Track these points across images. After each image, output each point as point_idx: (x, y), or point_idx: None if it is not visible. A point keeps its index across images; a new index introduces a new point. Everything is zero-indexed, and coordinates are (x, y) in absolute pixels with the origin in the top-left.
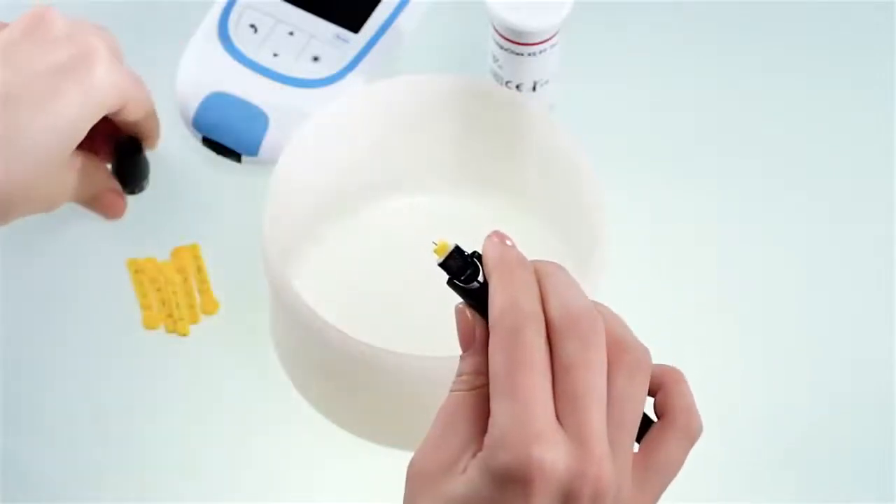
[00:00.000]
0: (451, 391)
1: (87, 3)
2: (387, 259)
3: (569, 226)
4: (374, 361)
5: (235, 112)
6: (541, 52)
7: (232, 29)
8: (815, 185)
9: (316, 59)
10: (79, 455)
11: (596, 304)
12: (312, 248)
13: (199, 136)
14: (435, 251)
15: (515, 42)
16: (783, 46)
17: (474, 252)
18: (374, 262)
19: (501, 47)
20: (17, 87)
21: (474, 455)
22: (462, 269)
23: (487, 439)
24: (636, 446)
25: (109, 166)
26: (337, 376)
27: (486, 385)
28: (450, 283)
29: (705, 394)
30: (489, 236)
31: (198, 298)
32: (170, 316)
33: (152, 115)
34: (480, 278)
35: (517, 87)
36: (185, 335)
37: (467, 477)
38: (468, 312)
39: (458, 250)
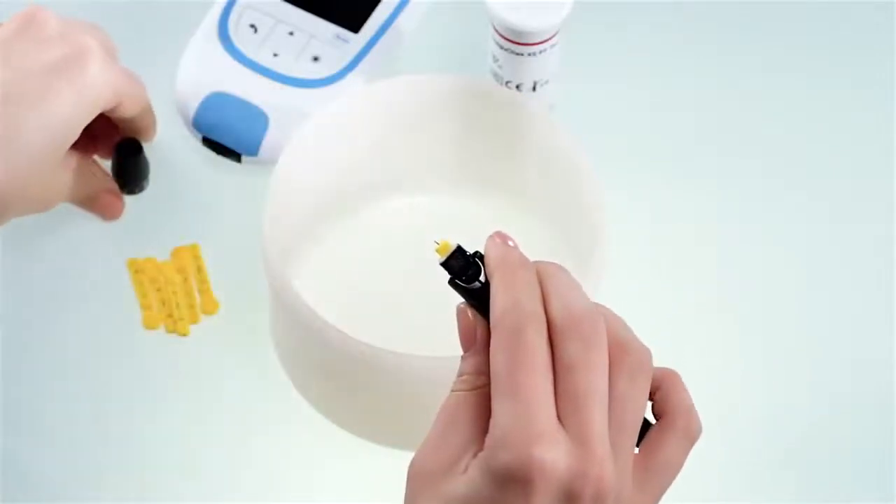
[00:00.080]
0: (452, 391)
1: (87, 4)
2: (387, 259)
3: (569, 226)
4: (374, 361)
5: (235, 112)
6: (541, 52)
7: (232, 29)
8: (815, 185)
9: (316, 59)
10: (79, 455)
11: (597, 305)
12: (312, 248)
13: (199, 136)
14: (437, 251)
15: (515, 42)
16: (783, 46)
17: (476, 252)
18: (374, 262)
19: (501, 47)
20: (11, 86)
21: (475, 455)
22: (464, 268)
23: (489, 439)
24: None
25: (109, 165)
26: (337, 376)
27: (487, 385)
28: (451, 282)
29: (705, 394)
30: (491, 236)
31: (198, 298)
32: (170, 316)
33: (148, 111)
34: (482, 278)
35: (517, 87)
36: (185, 335)
37: (468, 477)
38: (469, 312)
39: (459, 250)
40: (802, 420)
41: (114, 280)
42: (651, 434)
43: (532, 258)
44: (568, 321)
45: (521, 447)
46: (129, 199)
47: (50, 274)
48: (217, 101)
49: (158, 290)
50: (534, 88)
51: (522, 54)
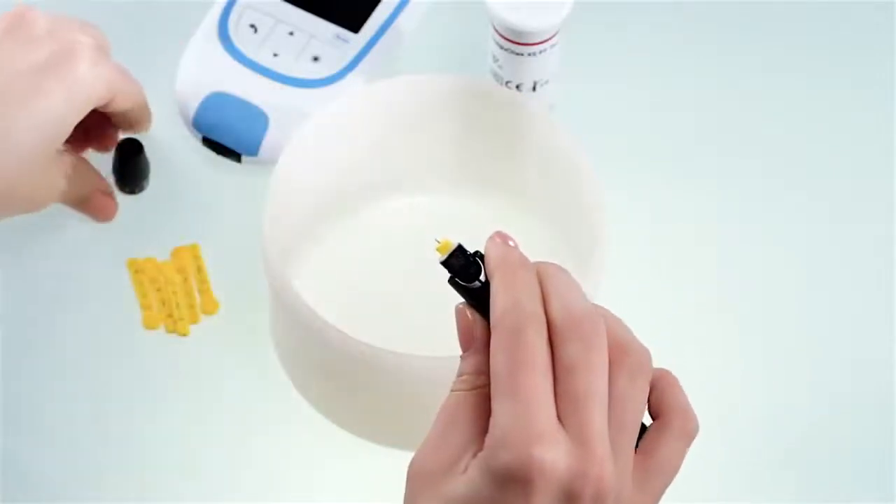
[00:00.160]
0: (452, 391)
1: (87, 4)
2: (387, 259)
3: (569, 226)
4: (374, 361)
5: (235, 112)
6: (541, 52)
7: (232, 29)
8: (815, 185)
9: (316, 59)
10: (79, 455)
11: (596, 306)
12: (312, 248)
13: (199, 136)
14: (437, 249)
15: (515, 42)
16: (783, 46)
17: (476, 252)
18: (374, 262)
19: (501, 47)
20: (0, 86)
21: (475, 455)
22: (464, 268)
23: (488, 439)
24: None
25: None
26: (337, 376)
27: (487, 385)
28: (451, 281)
29: (705, 394)
30: (492, 237)
31: (198, 298)
32: (170, 316)
33: (142, 105)
34: (482, 278)
35: (517, 87)
36: (185, 335)
37: (468, 477)
38: (468, 312)
39: (460, 249)
40: (802, 420)
41: (114, 280)
42: (648, 434)
43: (532, 258)
44: (568, 322)
45: (521, 447)
46: (129, 199)
47: (50, 274)
48: (217, 101)
49: (158, 290)
50: (534, 88)
51: (522, 54)
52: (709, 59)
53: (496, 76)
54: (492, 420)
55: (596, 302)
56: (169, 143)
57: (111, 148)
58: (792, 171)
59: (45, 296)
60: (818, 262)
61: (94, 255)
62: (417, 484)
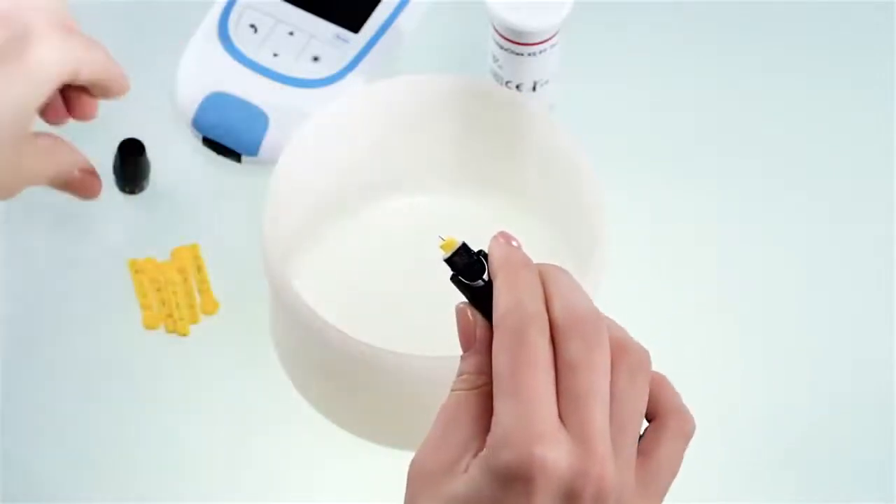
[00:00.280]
0: (452, 390)
1: (87, 4)
2: (387, 259)
3: (569, 226)
4: (374, 361)
5: (235, 112)
6: (541, 52)
7: (232, 29)
8: (815, 185)
9: (316, 59)
10: (78, 454)
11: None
12: (312, 248)
13: (199, 136)
14: (441, 247)
15: (515, 42)
16: (783, 46)
17: (480, 251)
18: (374, 262)
19: (501, 47)
20: None
21: (476, 454)
22: (467, 266)
23: (490, 438)
24: None
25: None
26: (337, 376)
27: (488, 384)
28: (454, 279)
29: (705, 394)
30: (496, 236)
31: (198, 298)
32: (170, 316)
33: (111, 70)
34: (485, 277)
35: (517, 87)
36: (185, 335)
37: (469, 476)
38: (469, 312)
39: (464, 247)
40: (802, 420)
41: (114, 280)
42: (646, 436)
43: (532, 258)
44: (570, 321)
45: (522, 446)
46: (129, 199)
47: (50, 274)
48: (217, 101)
49: (158, 290)
50: (534, 88)
51: (522, 54)
52: (709, 59)
53: (496, 76)
54: (494, 419)
55: (596, 302)
56: (169, 143)
57: (93, 116)
58: (792, 171)
59: (46, 296)
60: (818, 262)
61: (94, 255)
62: (418, 484)
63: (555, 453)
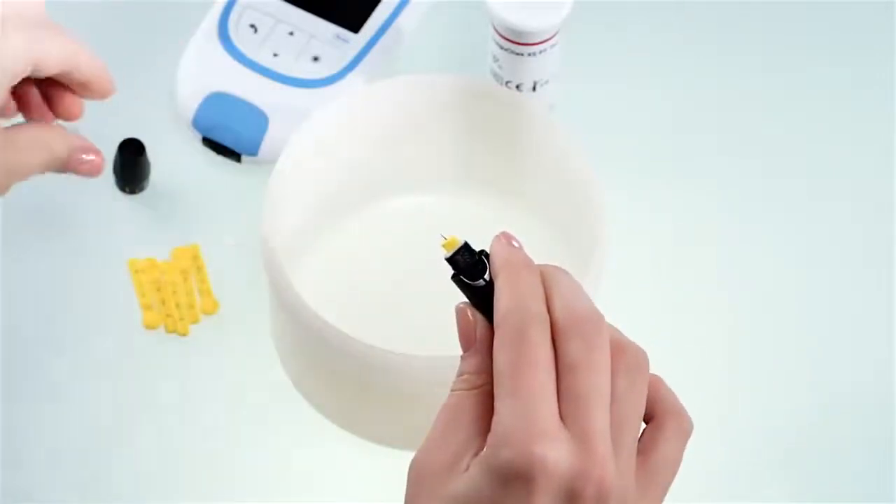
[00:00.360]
0: (452, 390)
1: (87, 4)
2: (387, 259)
3: (569, 226)
4: (374, 361)
5: (235, 112)
6: (541, 52)
7: (232, 29)
8: (815, 185)
9: (316, 59)
10: (78, 454)
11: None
12: (312, 248)
13: (199, 136)
14: (443, 246)
15: (515, 42)
16: (783, 46)
17: (481, 251)
18: (374, 262)
19: (501, 47)
20: None
21: (476, 454)
22: (469, 265)
23: (491, 437)
24: None
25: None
26: (337, 376)
27: (488, 384)
28: (455, 278)
29: (705, 393)
30: (497, 236)
31: (198, 298)
32: (170, 316)
33: (85, 63)
34: (486, 277)
35: (517, 87)
36: (185, 335)
37: (469, 475)
38: (469, 312)
39: (466, 247)
40: (802, 420)
41: (114, 280)
42: (644, 436)
43: (532, 258)
44: (571, 322)
45: (523, 445)
46: (129, 199)
47: (50, 274)
48: (217, 101)
49: (158, 290)
50: (534, 88)
51: (522, 54)
52: (709, 59)
53: (496, 76)
54: (494, 418)
55: (596, 302)
56: (169, 143)
57: (78, 115)
58: (792, 171)
59: (46, 296)
60: (818, 262)
61: (94, 255)
62: (418, 483)
63: (555, 453)
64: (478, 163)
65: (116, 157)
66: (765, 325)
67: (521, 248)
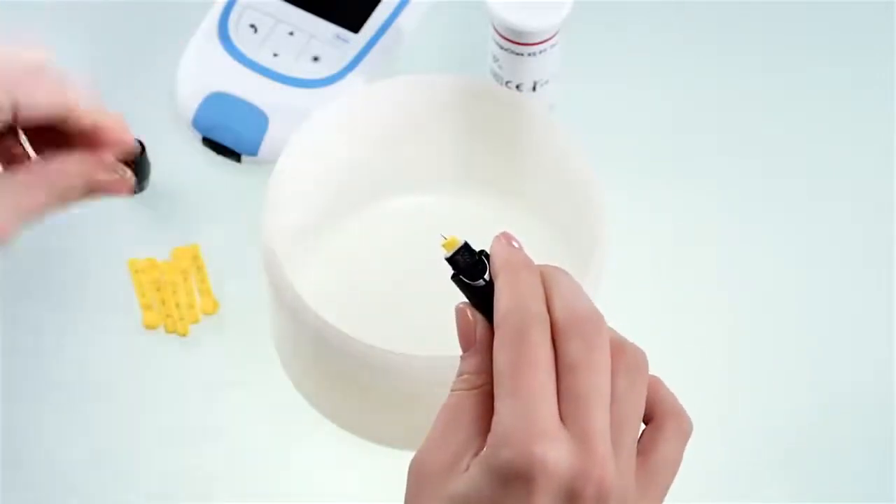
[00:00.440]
0: (452, 391)
1: (88, 4)
2: (387, 259)
3: (569, 226)
4: (374, 361)
5: (235, 112)
6: (541, 52)
7: (232, 29)
8: (815, 185)
9: (316, 59)
10: (77, 454)
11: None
12: (312, 248)
13: (199, 136)
14: (443, 245)
15: (515, 42)
16: (783, 46)
17: (482, 251)
18: (374, 262)
19: (501, 47)
20: None
21: (476, 454)
22: (469, 265)
23: (491, 437)
24: None
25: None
26: (337, 376)
27: (488, 384)
28: (455, 278)
29: (705, 393)
30: (497, 237)
31: (198, 298)
32: (170, 316)
33: (82, 110)
34: (486, 277)
35: (517, 87)
36: (185, 335)
37: (469, 475)
38: (469, 312)
39: (466, 247)
40: (802, 420)
41: (114, 280)
42: (643, 437)
43: (532, 258)
44: (571, 322)
45: (523, 445)
46: (128, 199)
47: (50, 274)
48: (217, 101)
49: (158, 290)
50: (534, 88)
51: (522, 54)
52: (709, 59)
53: (496, 76)
54: (494, 418)
55: (596, 302)
56: (169, 143)
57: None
58: (792, 171)
59: (46, 296)
60: (818, 262)
61: (95, 255)
62: (418, 483)
63: (555, 453)
64: (478, 163)
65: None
66: (765, 325)
67: (521, 248)
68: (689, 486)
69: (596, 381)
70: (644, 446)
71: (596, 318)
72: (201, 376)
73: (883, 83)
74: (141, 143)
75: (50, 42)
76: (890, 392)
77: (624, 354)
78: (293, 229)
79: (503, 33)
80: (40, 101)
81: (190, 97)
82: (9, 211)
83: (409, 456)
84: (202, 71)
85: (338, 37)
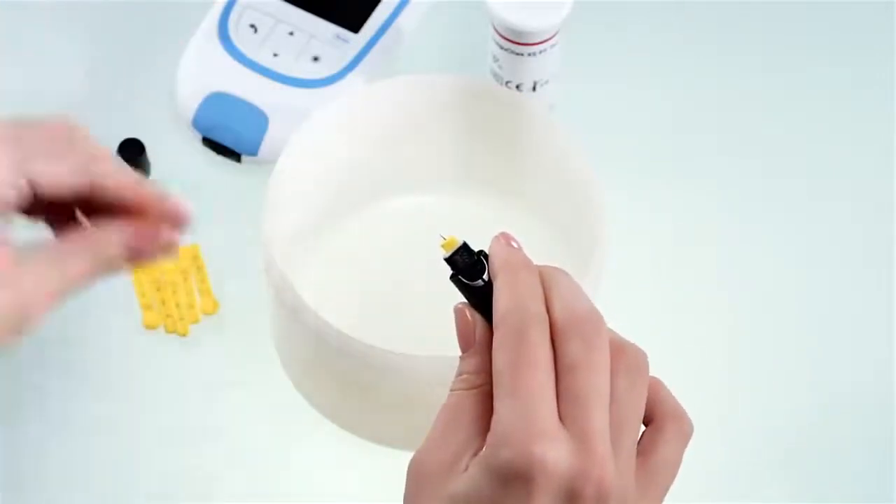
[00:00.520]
0: (452, 391)
1: (87, 4)
2: (387, 259)
3: (569, 226)
4: (375, 361)
5: (235, 112)
6: (541, 52)
7: (232, 29)
8: (815, 185)
9: (316, 59)
10: (77, 454)
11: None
12: (312, 248)
13: (199, 136)
14: (442, 246)
15: (515, 42)
16: (783, 46)
17: (481, 251)
18: (375, 262)
19: (501, 47)
20: None
21: (475, 454)
22: (468, 265)
23: (490, 437)
24: None
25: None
26: (337, 376)
27: (487, 384)
28: (454, 278)
29: (705, 394)
30: (496, 237)
31: (198, 298)
32: (170, 316)
33: (111, 183)
34: (485, 277)
35: (517, 87)
36: (185, 335)
37: (469, 475)
38: (468, 312)
39: (465, 247)
40: (802, 420)
41: (114, 280)
42: (644, 438)
43: (532, 258)
44: (570, 322)
45: (522, 445)
46: None
47: None
48: (217, 101)
49: (158, 290)
50: (534, 88)
51: (522, 54)
52: (709, 59)
53: (496, 76)
54: (494, 418)
55: (596, 302)
56: (169, 143)
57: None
58: (792, 171)
59: None
60: (818, 262)
61: None
62: (418, 483)
63: (555, 452)
64: (478, 163)
65: (116, 157)
66: (765, 325)
67: (520, 248)
68: (689, 487)
69: (595, 381)
70: (644, 447)
71: (595, 319)
72: (201, 376)
73: (883, 83)
74: (141, 143)
75: (50, 42)
76: (890, 392)
77: (624, 355)
78: (293, 229)
79: (503, 33)
80: (59, 177)
81: (190, 97)
82: (52, 281)
83: (409, 456)
84: (202, 71)
85: (338, 37)
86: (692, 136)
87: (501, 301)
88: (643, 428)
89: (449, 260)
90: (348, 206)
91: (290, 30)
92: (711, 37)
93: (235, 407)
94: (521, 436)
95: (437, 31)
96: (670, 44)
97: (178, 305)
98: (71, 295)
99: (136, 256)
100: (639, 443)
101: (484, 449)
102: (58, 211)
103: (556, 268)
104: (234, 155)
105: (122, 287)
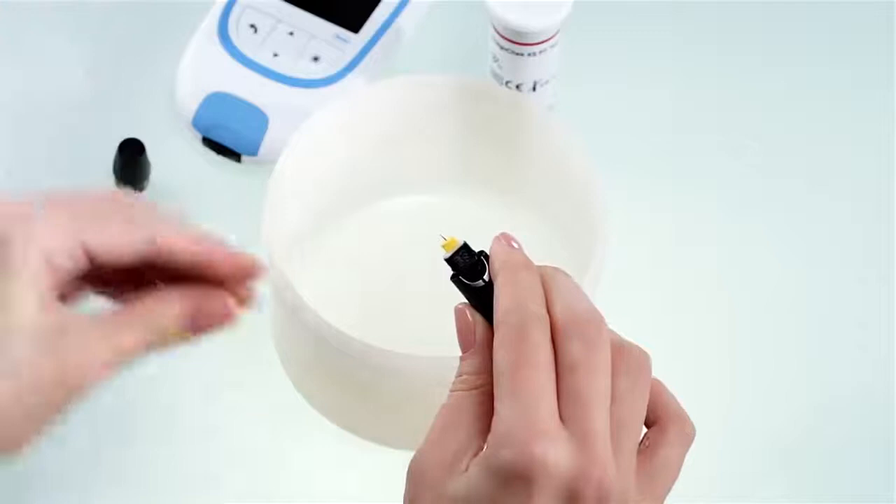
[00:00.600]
0: (452, 391)
1: (87, 4)
2: (387, 259)
3: (568, 225)
4: (375, 361)
5: (235, 112)
6: (541, 52)
7: (232, 29)
8: (815, 184)
9: (316, 59)
10: (76, 454)
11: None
12: (312, 248)
13: (199, 136)
14: (443, 246)
15: (515, 42)
16: (783, 46)
17: (481, 251)
18: (375, 262)
19: (501, 47)
20: None
21: (476, 454)
22: (468, 266)
23: (491, 437)
24: None
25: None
26: (337, 376)
27: (487, 385)
28: (454, 278)
29: (705, 394)
30: (497, 237)
31: None
32: None
33: (177, 246)
34: (486, 277)
35: (517, 87)
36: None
37: (469, 475)
38: (468, 312)
39: (465, 247)
40: (802, 420)
41: None
42: (645, 440)
43: (532, 258)
44: (571, 322)
45: (522, 445)
46: None
47: None
48: (217, 101)
49: None
50: (534, 88)
51: (522, 54)
52: (709, 58)
53: (496, 76)
54: (494, 418)
55: (596, 302)
56: (169, 143)
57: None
58: (792, 171)
59: None
60: (818, 262)
61: None
62: (418, 483)
63: (555, 453)
64: (478, 163)
65: (116, 157)
66: (765, 325)
67: (520, 248)
68: (690, 487)
69: (596, 381)
70: (646, 449)
71: (596, 319)
72: (201, 376)
73: (883, 83)
74: (141, 143)
75: (50, 42)
76: (890, 392)
77: (625, 355)
78: (293, 229)
79: (503, 33)
80: (117, 244)
81: (190, 97)
82: (101, 351)
83: (409, 456)
84: (202, 71)
85: (338, 37)
86: (692, 135)
87: (502, 301)
88: (645, 429)
89: (449, 260)
90: (348, 206)
91: (290, 30)
92: (711, 37)
93: (235, 407)
94: (521, 436)
95: (437, 31)
96: (670, 44)
97: None
98: (125, 366)
99: (198, 327)
100: (640, 444)
101: (484, 449)
102: (121, 280)
103: (556, 268)
104: (234, 155)
105: None
